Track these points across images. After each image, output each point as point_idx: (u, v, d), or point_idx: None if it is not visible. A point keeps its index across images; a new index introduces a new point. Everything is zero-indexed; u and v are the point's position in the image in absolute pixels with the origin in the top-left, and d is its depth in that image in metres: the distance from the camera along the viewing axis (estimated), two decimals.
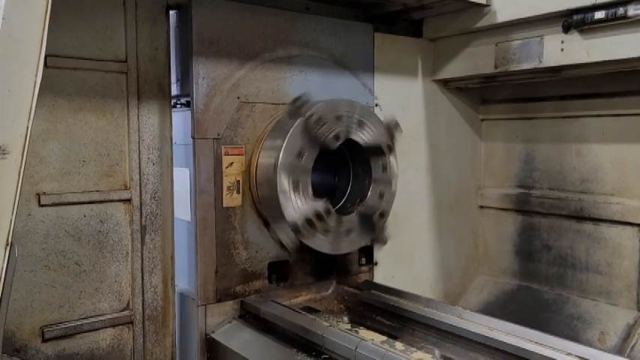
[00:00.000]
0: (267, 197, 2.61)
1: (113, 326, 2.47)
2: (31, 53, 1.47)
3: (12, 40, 1.43)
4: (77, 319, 2.38)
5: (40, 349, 2.29)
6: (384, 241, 2.84)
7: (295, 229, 2.51)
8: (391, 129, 2.77)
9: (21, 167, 1.47)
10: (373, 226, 2.77)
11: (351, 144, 2.72)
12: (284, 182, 2.49)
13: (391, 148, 2.77)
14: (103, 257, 2.43)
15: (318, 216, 2.57)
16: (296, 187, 2.52)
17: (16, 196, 1.46)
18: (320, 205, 2.57)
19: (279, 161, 2.48)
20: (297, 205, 2.52)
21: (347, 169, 2.91)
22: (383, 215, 2.82)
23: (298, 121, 2.51)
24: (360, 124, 2.68)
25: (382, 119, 2.84)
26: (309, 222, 2.54)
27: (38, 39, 1.48)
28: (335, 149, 2.64)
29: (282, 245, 2.72)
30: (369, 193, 2.79)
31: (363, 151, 2.74)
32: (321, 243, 2.64)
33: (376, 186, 2.79)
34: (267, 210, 2.68)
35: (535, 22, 2.87)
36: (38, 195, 2.25)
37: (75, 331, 2.37)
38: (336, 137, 2.61)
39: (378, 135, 2.74)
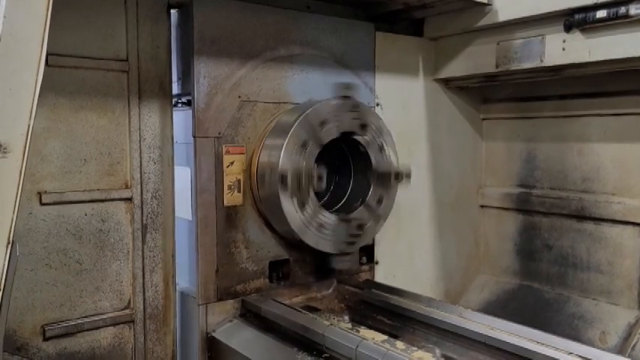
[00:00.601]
0: (268, 197, 2.61)
1: (114, 325, 2.48)
2: (32, 52, 1.47)
3: (13, 38, 1.43)
4: (78, 318, 2.38)
5: (41, 348, 2.29)
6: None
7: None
8: (345, 94, 2.74)
9: (22, 166, 1.47)
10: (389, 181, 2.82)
11: (351, 143, 2.74)
12: (286, 196, 2.51)
13: (365, 125, 2.75)
14: (104, 256, 2.43)
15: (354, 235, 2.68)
16: (297, 179, 2.52)
17: (17, 195, 1.47)
18: (352, 226, 2.67)
19: (280, 160, 2.48)
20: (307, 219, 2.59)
21: (347, 166, 2.91)
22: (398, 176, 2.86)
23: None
24: (323, 123, 2.65)
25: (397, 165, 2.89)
26: (350, 243, 2.70)
27: (39, 38, 1.48)
28: (352, 140, 2.70)
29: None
30: (370, 192, 2.80)
31: (370, 167, 2.80)
32: (325, 244, 2.68)
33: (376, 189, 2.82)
34: (268, 209, 2.68)
35: (536, 21, 2.87)
36: (39, 194, 2.26)
37: (76, 330, 2.37)
38: (363, 127, 2.69)
39: (345, 120, 2.72)
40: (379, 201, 2.83)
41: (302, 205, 2.55)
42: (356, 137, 2.74)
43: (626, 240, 3.13)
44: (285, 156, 2.50)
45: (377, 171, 2.79)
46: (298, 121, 2.52)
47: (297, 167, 2.53)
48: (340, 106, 2.65)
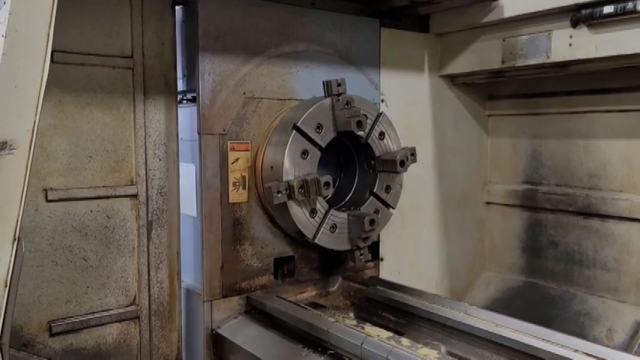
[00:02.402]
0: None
1: (120, 321, 2.48)
2: (38, 48, 1.47)
3: (19, 35, 1.43)
4: (84, 314, 2.39)
5: (47, 344, 2.30)
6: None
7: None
8: (336, 92, 2.66)
9: (28, 162, 1.47)
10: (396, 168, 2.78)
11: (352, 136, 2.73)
12: (295, 207, 2.51)
13: (361, 123, 2.66)
14: (109, 252, 2.44)
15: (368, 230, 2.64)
16: (303, 187, 2.52)
17: (23, 191, 1.47)
18: (365, 223, 2.62)
19: (285, 157, 2.48)
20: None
21: (352, 163, 2.90)
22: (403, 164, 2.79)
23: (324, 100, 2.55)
24: (382, 136, 2.72)
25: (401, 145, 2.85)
26: (364, 239, 2.68)
27: (45, 34, 1.48)
28: (354, 135, 2.66)
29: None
30: (377, 182, 2.80)
31: (373, 157, 2.77)
32: (338, 242, 2.68)
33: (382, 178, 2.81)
34: (273, 206, 2.67)
35: (543, 16, 2.85)
36: (45, 190, 2.26)
37: (82, 326, 2.38)
38: (359, 124, 2.58)
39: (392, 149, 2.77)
40: (387, 190, 2.82)
41: (311, 209, 2.55)
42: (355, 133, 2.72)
43: (633, 237, 3.11)
44: (288, 166, 2.48)
45: (381, 159, 2.77)
46: (293, 131, 2.50)
47: (302, 176, 2.50)
48: (333, 106, 2.59)
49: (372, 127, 2.73)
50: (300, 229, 2.54)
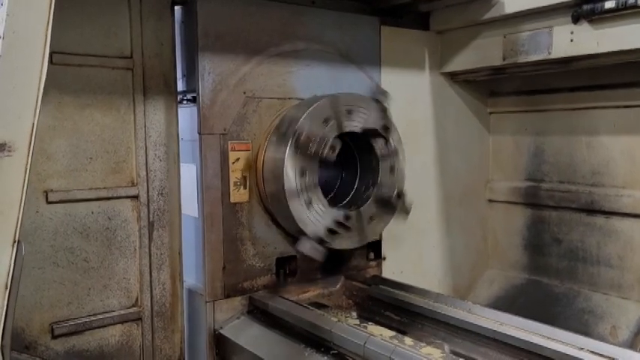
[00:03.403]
0: (274, 193, 2.60)
1: (122, 323, 2.48)
2: (36, 49, 1.46)
3: (16, 36, 1.42)
4: (86, 316, 2.38)
5: (49, 346, 2.30)
6: (407, 212, 2.83)
7: (319, 240, 2.53)
8: (380, 99, 2.71)
9: (27, 164, 1.46)
10: (393, 207, 2.78)
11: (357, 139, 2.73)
12: (291, 178, 2.48)
13: (387, 128, 2.72)
14: (111, 254, 2.43)
15: (339, 224, 2.60)
16: (303, 185, 2.51)
17: (22, 193, 1.46)
18: (339, 215, 2.61)
19: (286, 156, 2.47)
20: (314, 217, 2.55)
21: (352, 157, 2.89)
22: (400, 195, 2.81)
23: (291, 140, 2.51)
24: (350, 113, 2.63)
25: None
26: (331, 231, 2.59)
27: (42, 35, 1.47)
28: (378, 135, 2.68)
29: (290, 241, 2.76)
30: (380, 173, 2.78)
31: (362, 136, 2.73)
32: (343, 241, 2.67)
33: (385, 164, 2.78)
34: (274, 206, 2.67)
35: (544, 13, 2.83)
36: (46, 192, 2.26)
37: (84, 328, 2.38)
38: (332, 148, 2.54)
39: (371, 117, 2.69)
40: (371, 218, 2.79)
41: (312, 207, 2.53)
42: (374, 145, 2.73)
43: (636, 233, 3.09)
44: (305, 120, 2.48)
45: (379, 197, 2.76)
46: (329, 97, 2.52)
47: (313, 132, 2.48)
48: (370, 102, 2.63)
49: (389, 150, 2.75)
50: (301, 227, 2.52)
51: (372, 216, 2.77)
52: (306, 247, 2.46)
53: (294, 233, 2.76)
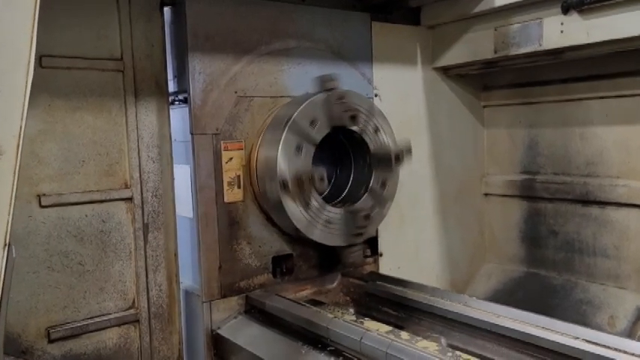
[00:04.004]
0: (269, 192, 2.59)
1: (119, 325, 2.47)
2: (21, 52, 1.46)
3: (1, 40, 1.41)
4: (83, 319, 2.37)
5: (46, 350, 2.29)
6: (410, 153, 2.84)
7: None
8: (400, 156, 2.78)
9: (15, 167, 1.45)
10: (392, 162, 2.79)
11: (347, 132, 2.73)
12: (289, 200, 2.50)
13: (354, 117, 2.72)
14: (106, 257, 2.43)
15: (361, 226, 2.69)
16: (298, 182, 2.51)
17: (11, 197, 1.45)
18: (359, 218, 2.70)
19: (278, 167, 2.48)
20: (309, 215, 2.59)
21: (347, 155, 2.90)
22: (398, 157, 2.81)
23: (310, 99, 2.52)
24: (376, 130, 2.70)
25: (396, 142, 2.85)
26: (357, 235, 2.70)
27: (28, 37, 1.46)
28: (347, 128, 2.68)
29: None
30: (372, 177, 2.81)
31: (368, 152, 2.77)
32: (334, 238, 2.69)
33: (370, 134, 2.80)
34: (269, 204, 2.67)
35: (533, 4, 2.83)
36: (39, 196, 2.25)
37: (81, 331, 2.37)
38: (353, 118, 2.62)
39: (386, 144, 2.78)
40: (383, 185, 2.81)
41: (306, 205, 2.54)
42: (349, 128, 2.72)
43: (632, 223, 3.09)
44: (282, 162, 2.48)
45: (376, 155, 2.76)
46: (287, 126, 2.50)
47: (297, 171, 2.51)
48: (326, 100, 2.60)
49: (367, 122, 2.72)
50: (295, 224, 2.53)
51: (368, 213, 2.76)
52: (354, 254, 2.75)
53: (289, 231, 2.76)
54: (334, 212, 2.65)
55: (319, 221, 2.58)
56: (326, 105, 2.59)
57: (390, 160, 2.75)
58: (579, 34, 2.69)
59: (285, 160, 2.49)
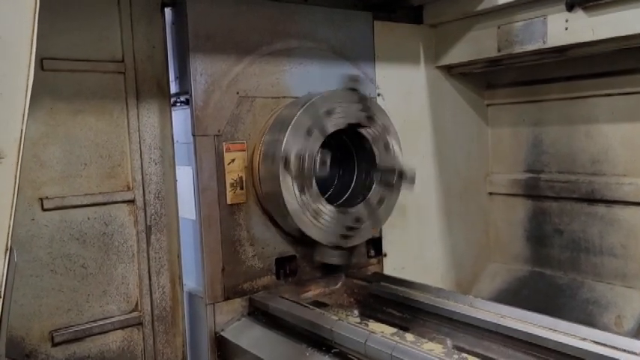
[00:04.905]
0: (271, 193, 2.58)
1: (122, 328, 2.46)
2: (22, 55, 1.45)
3: (1, 43, 1.41)
4: (86, 322, 2.37)
5: (50, 354, 2.29)
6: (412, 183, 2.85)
7: (336, 247, 2.64)
8: (353, 87, 2.73)
9: (17, 171, 1.45)
10: (396, 184, 2.80)
11: (356, 138, 2.73)
12: (287, 178, 2.47)
13: (370, 117, 2.72)
14: (109, 259, 2.42)
15: (350, 228, 2.65)
16: (301, 185, 2.49)
17: (13, 201, 1.45)
18: (349, 219, 2.66)
19: (284, 143, 2.46)
20: (312, 216, 2.58)
21: (349, 153, 2.88)
22: (402, 175, 2.81)
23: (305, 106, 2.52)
24: (330, 113, 2.61)
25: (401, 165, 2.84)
26: (344, 236, 2.65)
27: (28, 40, 1.46)
28: (358, 136, 2.70)
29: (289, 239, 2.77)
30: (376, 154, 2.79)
31: (374, 165, 2.77)
32: (318, 232, 2.64)
33: (379, 145, 2.79)
34: (272, 206, 2.65)
35: (537, 1, 2.81)
36: (41, 199, 2.24)
37: (84, 335, 2.37)
38: (370, 119, 2.67)
39: (351, 109, 2.69)
40: (380, 201, 2.78)
41: (302, 189, 2.51)
42: (362, 131, 2.70)
43: (639, 221, 3.06)
44: (289, 139, 2.46)
45: (380, 170, 2.74)
46: (304, 107, 2.49)
47: (301, 150, 2.49)
48: (347, 96, 2.62)
49: (380, 135, 2.73)
50: (286, 205, 2.49)
51: (359, 217, 2.74)
52: (334, 258, 2.62)
53: (293, 233, 2.74)
54: (325, 207, 2.61)
55: (309, 211, 2.54)
56: (347, 99, 2.60)
57: (393, 179, 2.74)
58: (584, 32, 2.66)
59: (293, 138, 2.47)
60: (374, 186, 2.77)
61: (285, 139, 2.46)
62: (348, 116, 2.62)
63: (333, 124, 2.59)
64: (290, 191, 2.49)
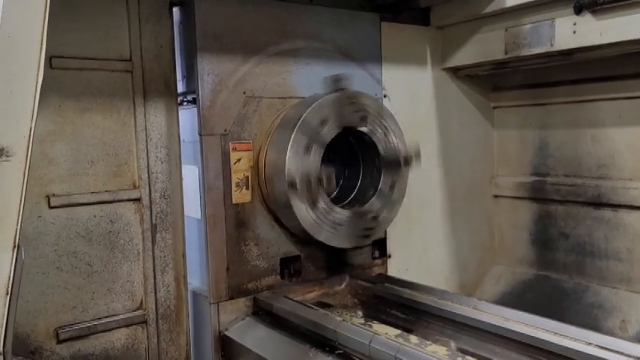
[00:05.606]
0: (277, 193, 2.58)
1: (127, 326, 2.47)
2: (32, 53, 1.46)
3: (11, 40, 1.42)
4: (91, 320, 2.38)
5: (55, 351, 2.30)
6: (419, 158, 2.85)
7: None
8: (409, 159, 2.79)
9: (25, 168, 1.46)
10: (401, 165, 2.80)
11: (356, 133, 2.72)
12: (296, 200, 2.50)
13: (364, 117, 2.73)
14: (114, 257, 2.43)
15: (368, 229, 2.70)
16: (306, 182, 2.50)
17: (21, 198, 1.46)
18: (366, 220, 2.70)
19: (287, 167, 2.47)
20: (317, 217, 2.58)
21: (355, 157, 2.89)
22: (407, 160, 2.82)
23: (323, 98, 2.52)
24: (386, 132, 2.69)
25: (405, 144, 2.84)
26: (365, 236, 2.72)
27: (38, 39, 1.46)
28: (356, 130, 2.68)
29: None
30: (381, 179, 2.80)
31: (377, 154, 2.76)
32: (341, 240, 2.69)
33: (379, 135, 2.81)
34: (277, 206, 2.66)
35: (545, 4, 2.80)
36: (48, 197, 2.25)
37: (89, 332, 2.37)
38: (363, 119, 2.63)
39: (395, 148, 2.78)
40: (392, 187, 2.80)
41: (314, 205, 2.53)
42: (360, 129, 2.70)
43: None
44: (290, 161, 2.48)
45: (385, 157, 2.75)
46: (297, 126, 2.49)
47: (305, 171, 2.51)
48: (337, 100, 2.60)
49: (376, 124, 2.71)
50: (302, 225, 2.52)
51: (376, 215, 2.75)
52: None
53: (297, 233, 2.75)
54: (342, 214, 2.64)
55: (326, 222, 2.57)
56: (336, 105, 2.58)
57: (399, 163, 2.74)
58: (592, 35, 2.65)
59: (294, 159, 2.48)
60: (382, 175, 2.78)
61: (286, 162, 2.47)
62: (341, 121, 2.61)
63: (329, 134, 2.59)
64: (302, 211, 2.52)
